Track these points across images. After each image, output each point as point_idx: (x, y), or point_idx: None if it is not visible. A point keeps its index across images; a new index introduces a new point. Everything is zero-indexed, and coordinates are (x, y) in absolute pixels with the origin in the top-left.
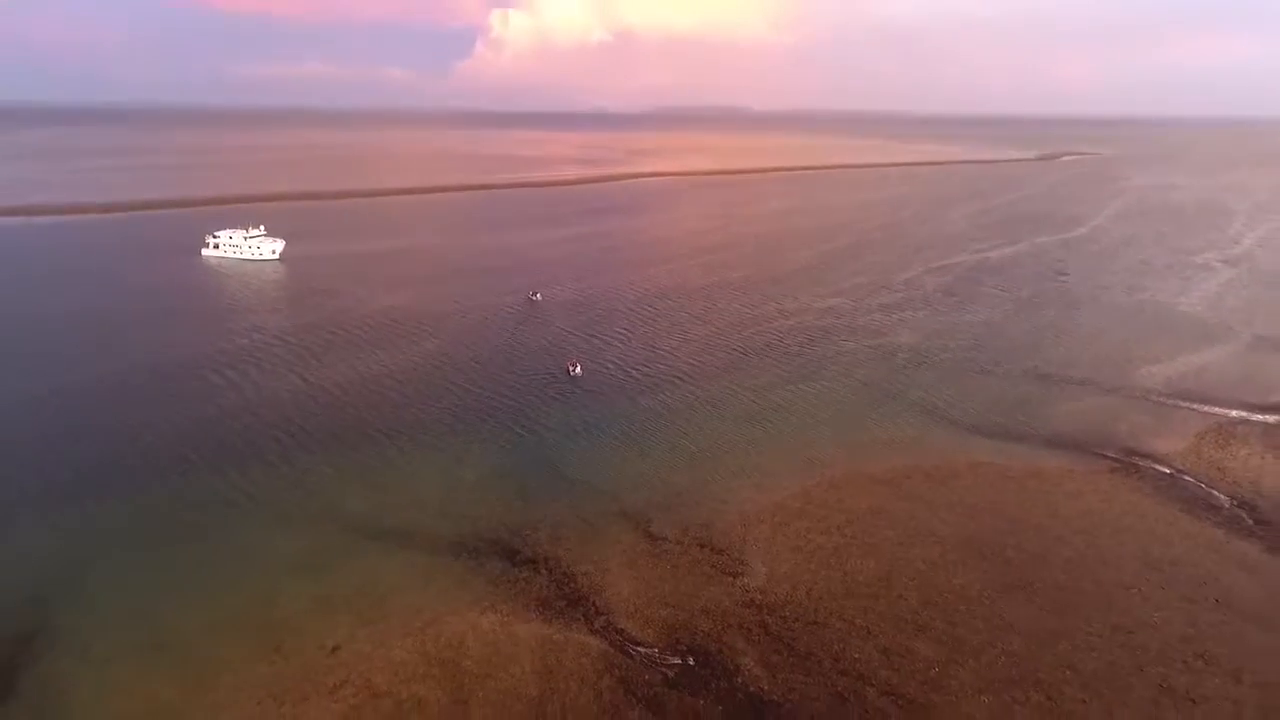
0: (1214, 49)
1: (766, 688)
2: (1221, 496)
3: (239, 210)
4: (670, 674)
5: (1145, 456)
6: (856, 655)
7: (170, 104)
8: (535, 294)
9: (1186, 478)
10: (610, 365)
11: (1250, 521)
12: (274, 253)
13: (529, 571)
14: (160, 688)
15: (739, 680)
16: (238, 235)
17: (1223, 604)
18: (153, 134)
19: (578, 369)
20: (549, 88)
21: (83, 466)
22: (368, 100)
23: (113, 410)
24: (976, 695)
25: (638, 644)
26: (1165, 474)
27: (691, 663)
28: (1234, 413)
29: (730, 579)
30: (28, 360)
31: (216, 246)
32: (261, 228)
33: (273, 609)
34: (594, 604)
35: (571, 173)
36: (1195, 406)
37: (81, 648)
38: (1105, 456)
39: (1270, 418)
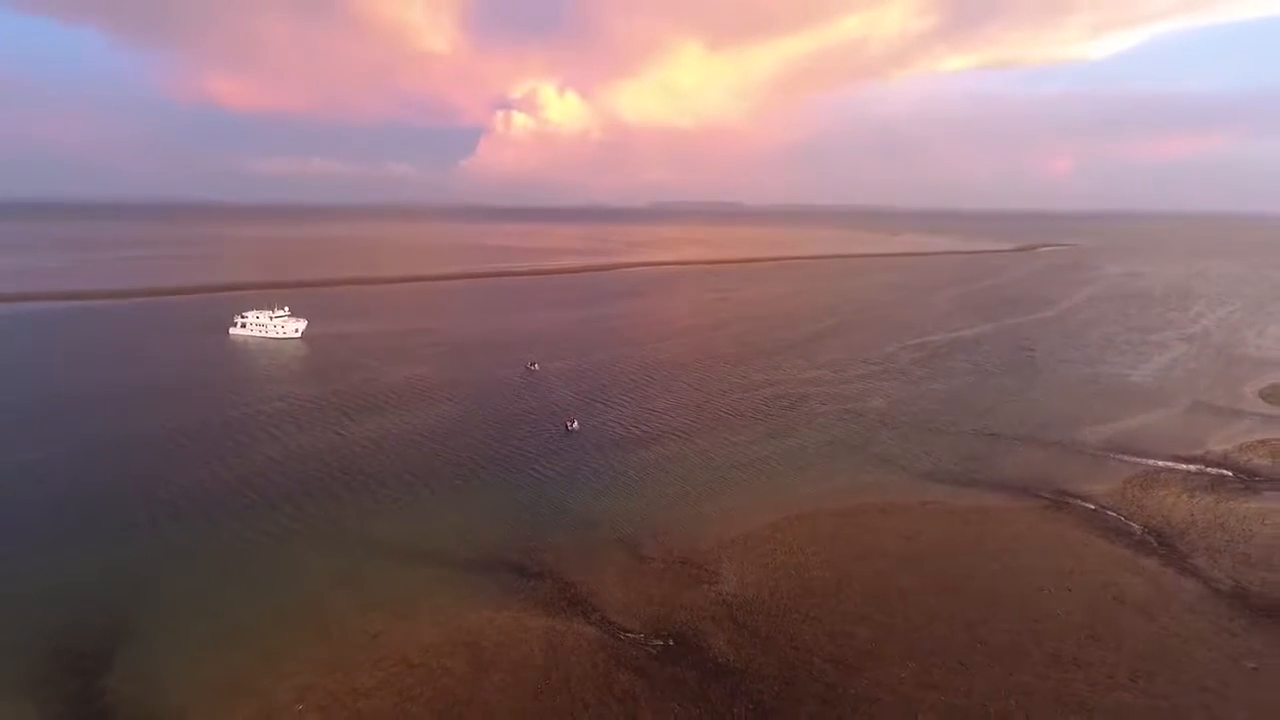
0: (1187, 147)
1: (732, 660)
2: (1135, 526)
3: (258, 295)
4: (654, 651)
5: (1075, 496)
6: (807, 637)
7: (183, 198)
8: (533, 364)
9: (1109, 512)
10: (605, 423)
11: (1155, 543)
12: (297, 331)
13: (535, 582)
14: (234, 663)
15: (710, 655)
16: (263, 316)
17: (1118, 600)
18: (168, 227)
19: (575, 424)
20: (549, 183)
21: (153, 502)
22: (373, 196)
23: (172, 457)
24: (903, 662)
25: (627, 631)
26: (1090, 509)
27: (671, 643)
28: (1161, 463)
29: (706, 586)
30: (86, 419)
31: (244, 326)
32: (285, 309)
33: (321, 608)
34: (591, 604)
35: (571, 262)
36: (1127, 458)
37: (167, 636)
38: (1041, 496)
39: (1192, 467)
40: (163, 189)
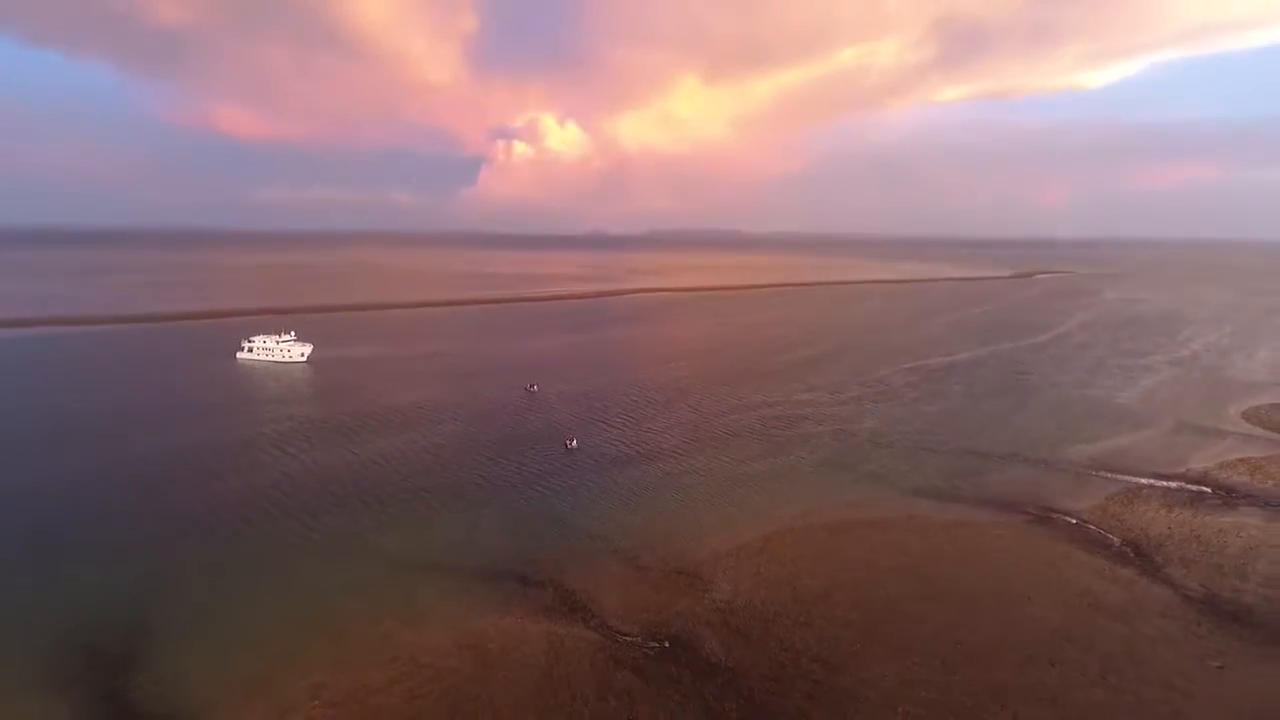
0: (1184, 175)
1: (724, 660)
2: (1114, 538)
3: (264, 321)
4: (650, 653)
5: (1058, 511)
6: (796, 639)
7: (186, 225)
8: (533, 386)
9: (1090, 526)
10: (604, 442)
11: (1132, 554)
12: (303, 356)
13: (537, 589)
14: (252, 664)
15: (703, 655)
16: (270, 340)
17: (1093, 606)
18: (173, 254)
19: (574, 443)
20: (549, 211)
21: (173, 514)
22: (375, 223)
23: (190, 473)
24: (887, 661)
25: (625, 634)
26: (1072, 523)
27: (667, 645)
28: (1143, 480)
29: (700, 594)
30: (105, 437)
31: (251, 350)
32: (292, 334)
33: (333, 613)
34: (590, 610)
35: (570, 289)
36: (1111, 476)
37: (190, 638)
38: (1025, 511)
39: (1172, 484)
40: (167, 216)
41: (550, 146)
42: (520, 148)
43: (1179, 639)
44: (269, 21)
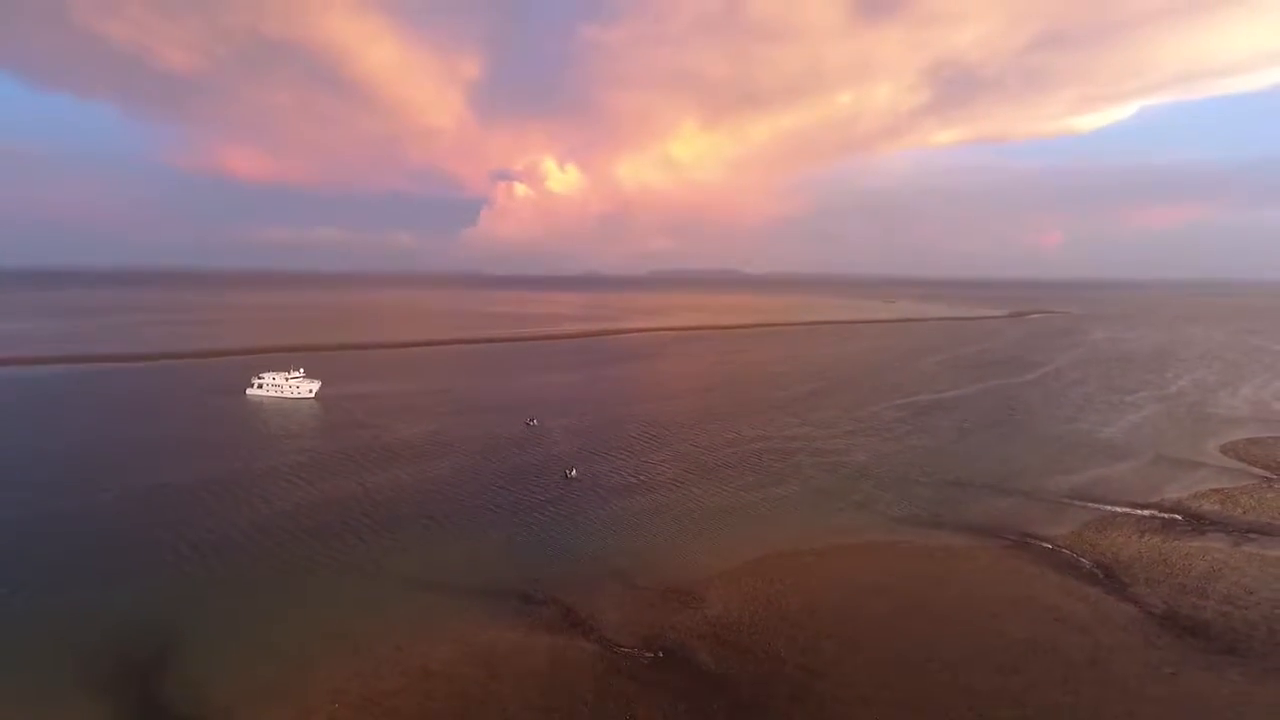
0: (1176, 217)
1: (714, 667)
2: (1086, 562)
3: (271, 359)
4: (645, 662)
5: (1035, 538)
6: (781, 650)
7: (193, 266)
8: (532, 420)
9: (1064, 550)
10: (603, 472)
11: (1100, 575)
12: (311, 392)
13: (540, 606)
14: (273, 673)
15: (695, 664)
16: (279, 377)
17: (1059, 621)
18: (180, 293)
19: (574, 472)
20: (550, 252)
21: (195, 539)
22: (378, 263)
23: (209, 501)
24: (863, 668)
25: (622, 646)
26: (1047, 548)
27: (661, 655)
28: (1118, 509)
29: (693, 610)
30: (123, 470)
31: (260, 386)
32: (300, 370)
33: (349, 628)
34: (590, 625)
35: (571, 328)
36: (1088, 505)
37: (214, 650)
38: (1003, 538)
39: (1145, 512)
40: (173, 257)
41: (551, 188)
42: (521, 189)
43: (1137, 649)
44: (276, 67)
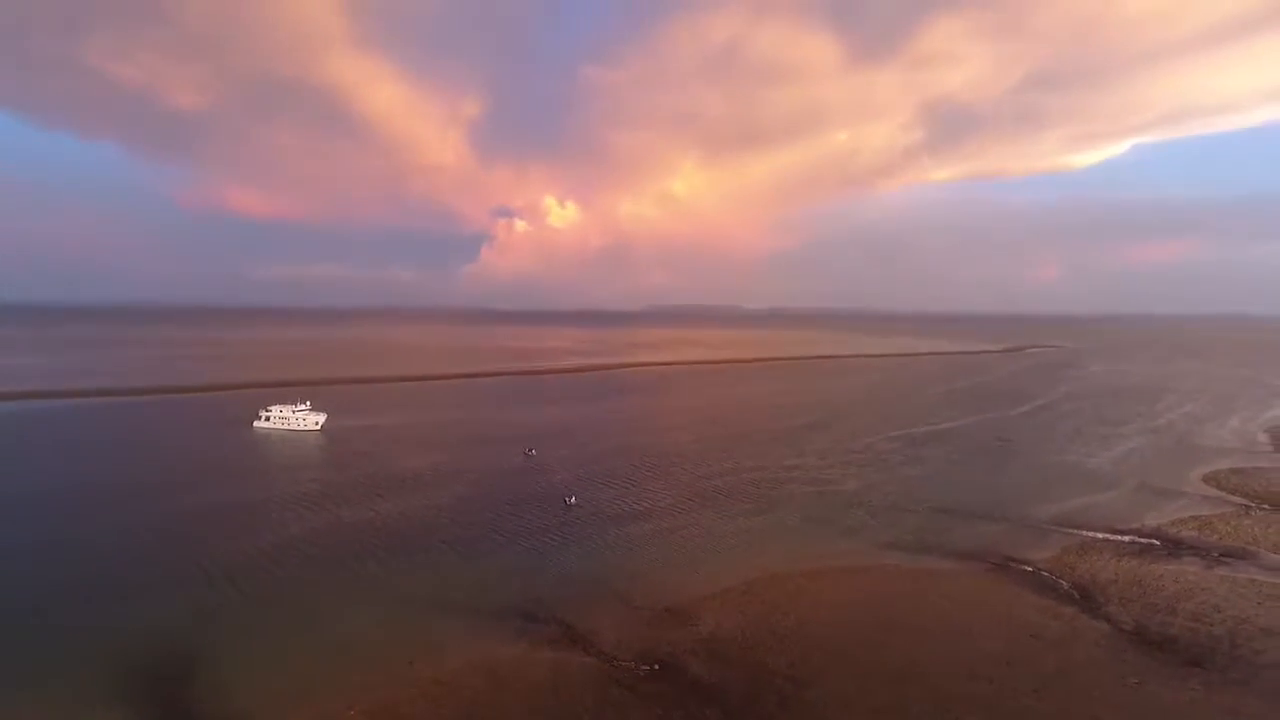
0: (1172, 252)
1: (706, 678)
2: (1064, 583)
3: (276, 392)
4: (641, 674)
5: (1018, 561)
6: (770, 661)
7: (196, 301)
8: (530, 451)
9: (1044, 573)
10: (602, 500)
11: (1077, 596)
12: (318, 424)
13: (542, 625)
14: (292, 682)
15: (688, 675)
16: (286, 409)
17: (1034, 636)
18: (182, 329)
19: (573, 499)
20: (550, 288)
21: (213, 561)
22: (379, 299)
23: (225, 526)
24: (847, 678)
25: (619, 660)
26: (1028, 571)
27: (656, 668)
28: (1099, 534)
29: (687, 627)
30: (138, 498)
31: (268, 419)
32: (307, 403)
33: (363, 642)
34: (589, 641)
35: (571, 362)
36: (1070, 531)
37: (236, 662)
38: (986, 561)
39: (1125, 538)
40: (176, 292)
41: (551, 224)
42: (521, 226)
43: (1105, 662)
44: (281, 107)
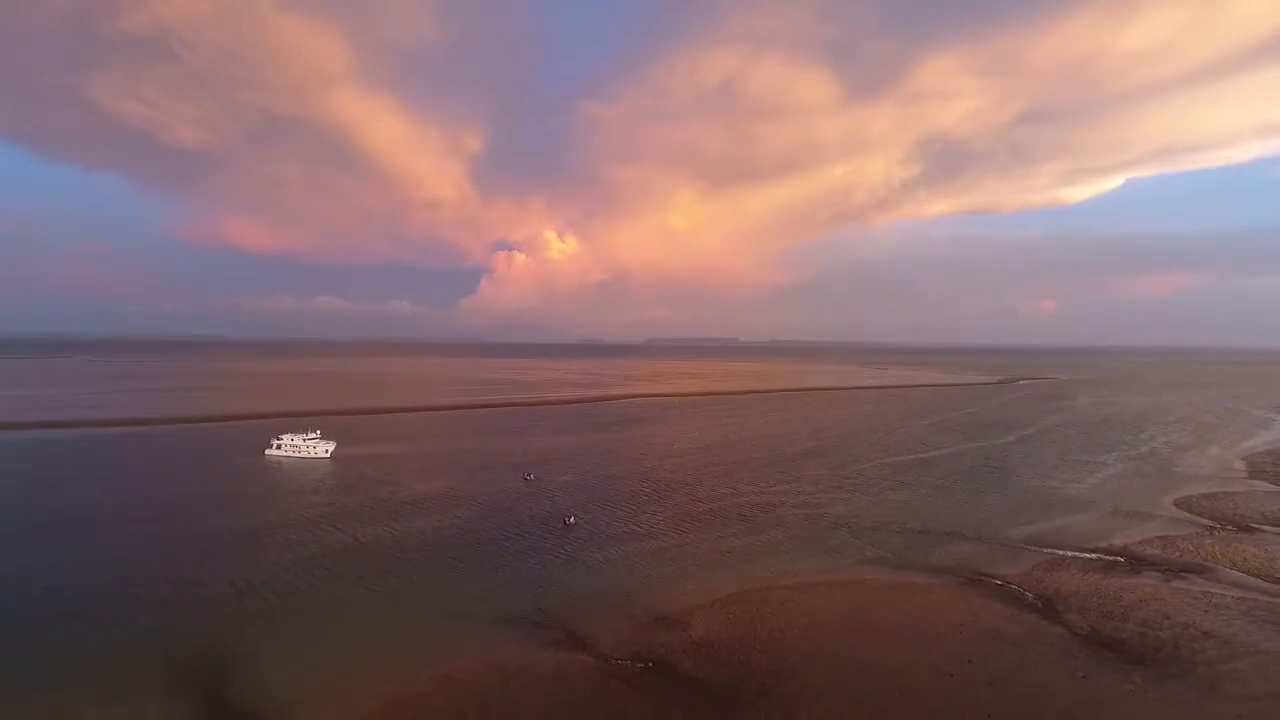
0: (1165, 286)
1: (695, 673)
2: (1030, 595)
3: (284, 422)
4: (637, 670)
5: (989, 576)
6: (753, 660)
7: (198, 334)
8: (529, 474)
9: (1012, 586)
10: (601, 521)
11: (1040, 605)
12: (327, 452)
13: (545, 630)
14: (322, 680)
15: (679, 671)
16: (297, 438)
17: (995, 638)
18: (188, 361)
19: (573, 519)
20: (549, 320)
21: (238, 576)
22: (379, 332)
23: (246, 546)
24: (822, 673)
25: (617, 659)
26: (998, 584)
27: (651, 665)
28: (1069, 553)
29: (679, 632)
30: (160, 521)
31: (279, 448)
32: (317, 432)
33: (383, 646)
34: (589, 643)
35: (570, 394)
36: (1042, 550)
37: (268, 664)
38: (961, 576)
39: (1092, 555)
40: (179, 325)
41: (550, 258)
42: (521, 259)
43: (1057, 660)
44: (284, 142)
